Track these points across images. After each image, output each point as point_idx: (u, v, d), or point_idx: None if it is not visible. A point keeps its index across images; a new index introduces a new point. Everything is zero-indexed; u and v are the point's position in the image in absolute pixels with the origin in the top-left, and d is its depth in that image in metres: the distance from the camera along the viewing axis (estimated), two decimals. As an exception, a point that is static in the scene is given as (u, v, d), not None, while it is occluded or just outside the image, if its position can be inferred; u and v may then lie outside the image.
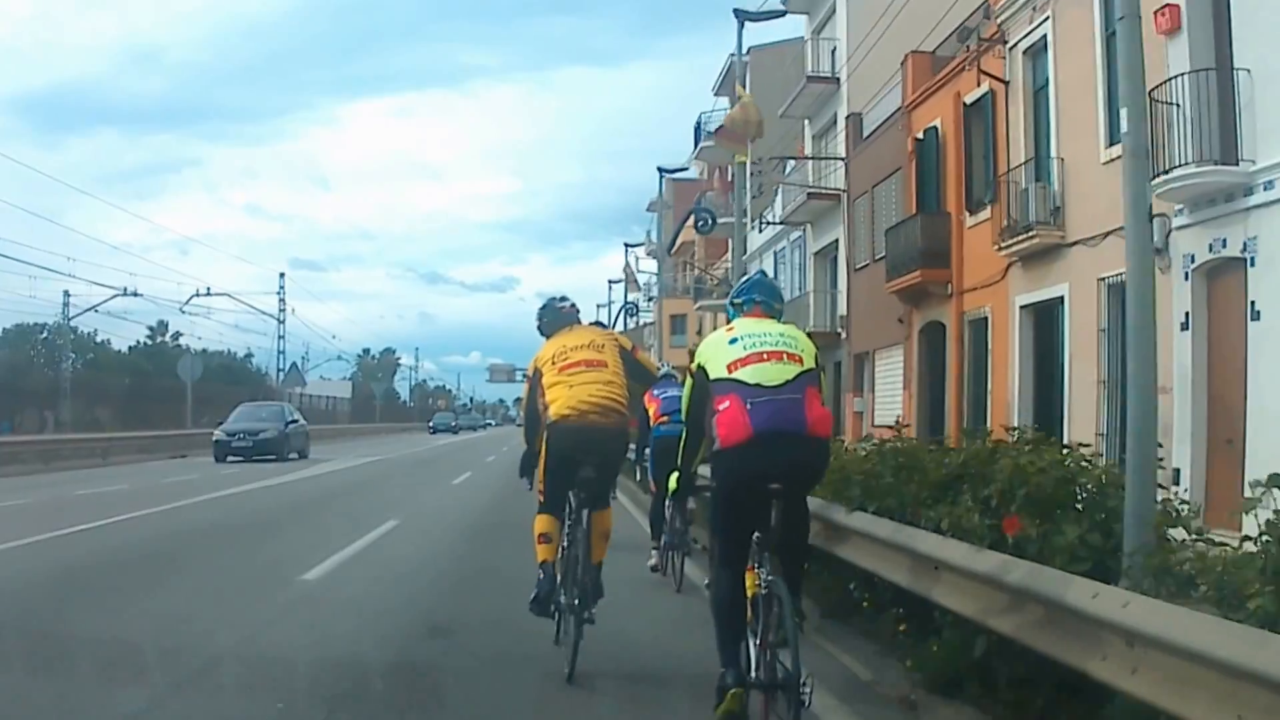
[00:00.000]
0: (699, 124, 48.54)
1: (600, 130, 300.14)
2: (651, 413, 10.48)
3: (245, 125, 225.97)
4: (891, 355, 26.93)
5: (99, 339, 72.68)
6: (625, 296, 58.69)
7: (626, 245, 62.60)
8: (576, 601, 6.34)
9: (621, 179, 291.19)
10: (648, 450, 10.75)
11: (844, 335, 29.99)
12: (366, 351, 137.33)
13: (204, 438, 36.00)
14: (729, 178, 45.69)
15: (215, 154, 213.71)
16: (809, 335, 5.61)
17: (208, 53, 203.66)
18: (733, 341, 5.14)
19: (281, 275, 66.64)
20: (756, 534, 5.01)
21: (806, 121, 34.17)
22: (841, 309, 30.38)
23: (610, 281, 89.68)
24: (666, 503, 9.83)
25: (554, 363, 6.69)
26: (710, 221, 32.74)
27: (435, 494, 22.26)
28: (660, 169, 42.26)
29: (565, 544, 6.62)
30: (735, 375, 4.98)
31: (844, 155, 30.07)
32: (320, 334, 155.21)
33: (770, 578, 4.87)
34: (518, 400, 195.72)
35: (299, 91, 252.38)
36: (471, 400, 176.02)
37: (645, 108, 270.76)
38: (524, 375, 7.46)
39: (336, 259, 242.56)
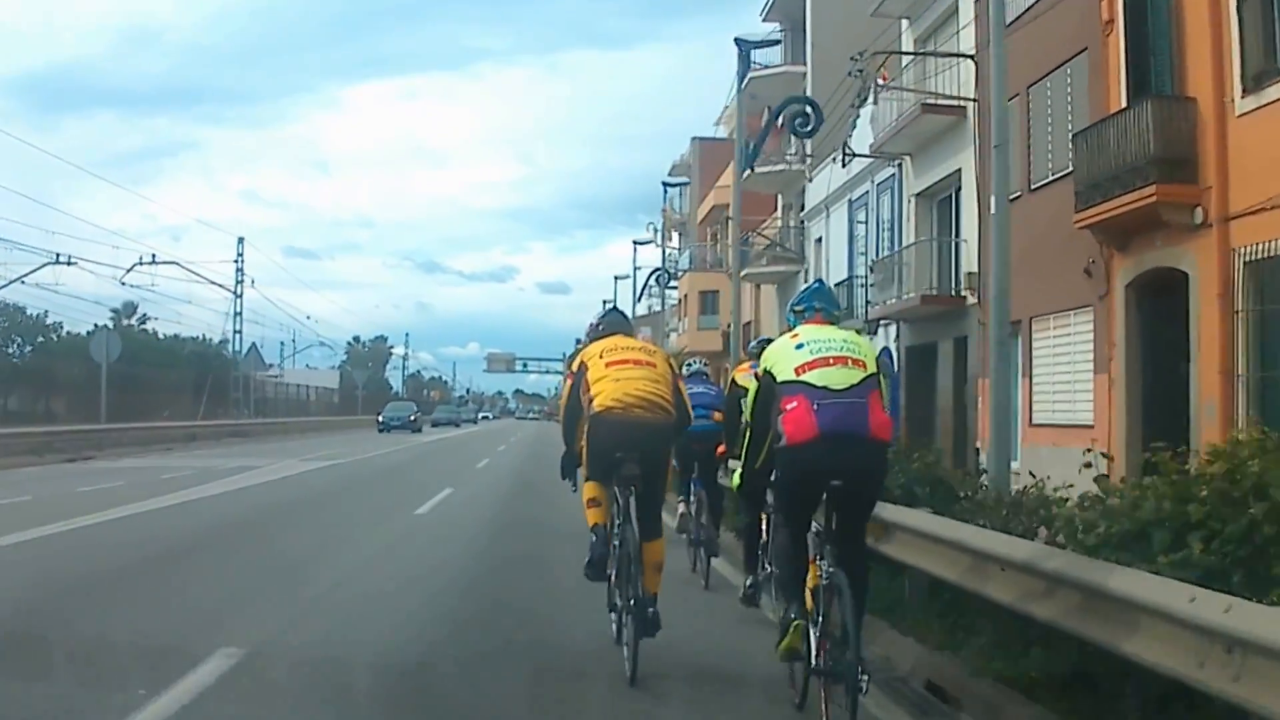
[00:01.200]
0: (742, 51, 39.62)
1: (608, 116, 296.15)
2: None
3: (244, 108, 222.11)
4: (1066, 324, 18.32)
5: (50, 320, 64.13)
6: (663, 253, 49.97)
7: (665, 186, 54.33)
8: (632, 601, 6.25)
9: (629, 166, 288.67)
10: None
11: (974, 299, 21.36)
12: (356, 339, 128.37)
13: (135, 434, 33.05)
14: (779, 122, 37.20)
15: (213, 137, 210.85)
16: (860, 333, 6.02)
17: (208, 33, 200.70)
18: (799, 347, 5.40)
19: (240, 241, 57.58)
20: (816, 527, 5.48)
21: (905, 22, 25.53)
22: (968, 263, 21.75)
23: (616, 277, 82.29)
24: (690, 500, 10.48)
25: (601, 357, 6.72)
26: (810, 117, 23.64)
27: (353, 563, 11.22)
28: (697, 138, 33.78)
29: (617, 544, 6.47)
30: (803, 378, 5.26)
31: (972, 52, 21.39)
32: (296, 316, 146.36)
33: (831, 570, 5.20)
34: (518, 392, 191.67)
35: (300, 73, 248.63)
36: (468, 391, 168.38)
37: (655, 93, 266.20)
38: (563, 371, 9.08)
39: (334, 247, 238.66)
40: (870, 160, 26.28)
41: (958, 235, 22.71)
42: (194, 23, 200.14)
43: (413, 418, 62.62)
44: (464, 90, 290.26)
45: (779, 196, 37.48)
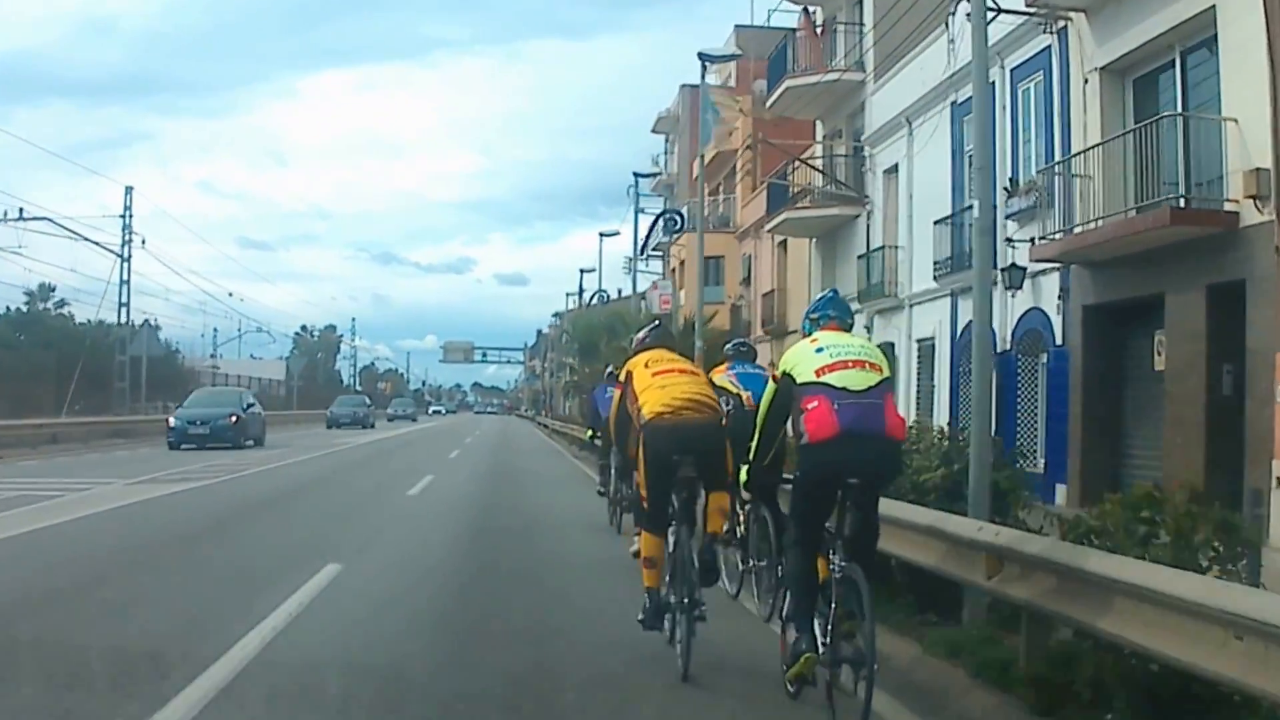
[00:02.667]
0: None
1: (569, 107, 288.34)
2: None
3: (200, 98, 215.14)
4: None
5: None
6: (635, 235, 40.76)
7: (639, 175, 44.93)
8: (686, 600, 6.23)
9: (590, 157, 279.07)
10: None
11: (1263, 213, 12.14)
12: (304, 328, 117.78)
13: None
14: (817, 25, 27.97)
15: (168, 128, 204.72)
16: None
17: (163, 22, 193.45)
18: (819, 350, 5.49)
19: (128, 191, 47.37)
20: (830, 524, 5.50)
21: None
22: (1243, 157, 12.52)
23: (581, 270, 76.49)
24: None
25: (647, 367, 6.85)
26: None
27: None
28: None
29: (671, 548, 6.45)
30: (824, 379, 5.34)
31: None
32: (226, 303, 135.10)
33: (844, 563, 5.27)
34: (477, 385, 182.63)
35: (256, 63, 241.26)
36: (424, 384, 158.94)
37: (616, 83, 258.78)
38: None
39: (290, 239, 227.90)
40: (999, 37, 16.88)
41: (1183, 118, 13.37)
42: (148, 11, 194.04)
43: (364, 412, 56.42)
44: (422, 80, 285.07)
45: (818, 124, 28.16)
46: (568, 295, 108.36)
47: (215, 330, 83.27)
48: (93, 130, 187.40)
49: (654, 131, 52.74)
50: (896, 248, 22.89)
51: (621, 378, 7.14)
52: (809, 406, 5.33)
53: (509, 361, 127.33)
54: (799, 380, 5.47)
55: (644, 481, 6.53)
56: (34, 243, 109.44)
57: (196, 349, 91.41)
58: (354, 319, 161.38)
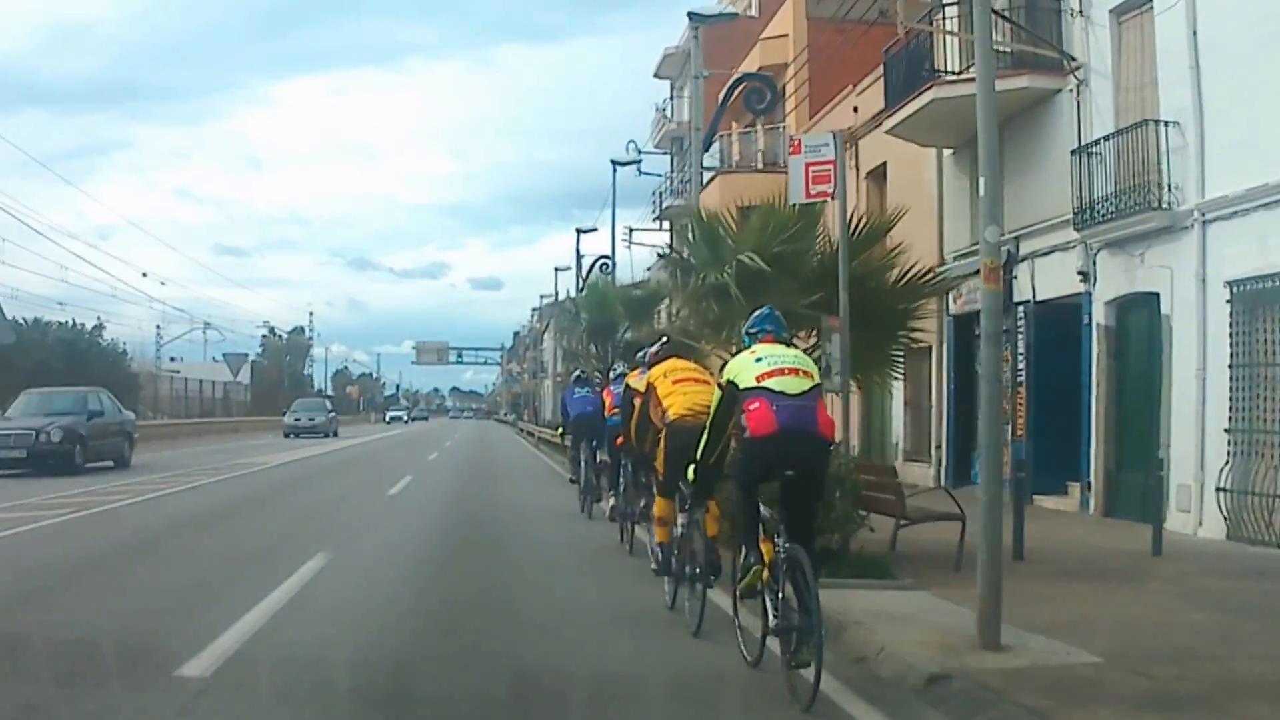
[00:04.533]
0: None
1: (541, 110, 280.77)
2: (606, 404, 12.49)
3: (175, 105, 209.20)
4: None
5: None
6: (672, 159, 30.64)
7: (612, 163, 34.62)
8: (698, 570, 7.10)
9: (563, 160, 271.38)
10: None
11: None
12: (272, 331, 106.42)
13: None
14: None
15: (144, 135, 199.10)
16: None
17: (137, 30, 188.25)
18: (758, 360, 6.02)
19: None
20: (768, 513, 6.01)
21: None
22: None
23: (556, 269, 67.19)
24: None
25: (666, 376, 8.05)
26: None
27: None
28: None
29: (679, 531, 7.48)
30: (764, 384, 5.88)
31: None
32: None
33: (788, 545, 5.67)
34: (454, 390, 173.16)
35: (230, 70, 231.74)
36: (398, 389, 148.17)
37: (587, 86, 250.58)
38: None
39: (266, 244, 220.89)
40: None
41: None
42: (122, 19, 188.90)
43: (321, 419, 46.39)
44: (394, 85, 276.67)
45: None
46: (541, 297, 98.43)
47: (158, 328, 71.77)
48: (69, 138, 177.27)
49: (657, 76, 42.48)
50: (1164, 124, 12.71)
51: (642, 388, 8.50)
52: (751, 407, 5.84)
53: (486, 362, 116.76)
54: (741, 386, 5.98)
55: (663, 464, 7.78)
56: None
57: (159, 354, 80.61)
58: (310, 313, 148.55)
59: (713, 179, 28.22)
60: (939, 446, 19.21)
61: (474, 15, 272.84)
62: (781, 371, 5.89)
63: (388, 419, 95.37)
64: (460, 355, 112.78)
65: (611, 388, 12.19)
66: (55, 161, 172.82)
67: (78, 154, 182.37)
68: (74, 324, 69.71)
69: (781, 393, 5.80)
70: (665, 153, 42.66)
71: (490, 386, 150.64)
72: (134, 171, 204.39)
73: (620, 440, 11.03)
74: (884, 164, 21.43)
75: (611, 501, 12.01)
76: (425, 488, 17.69)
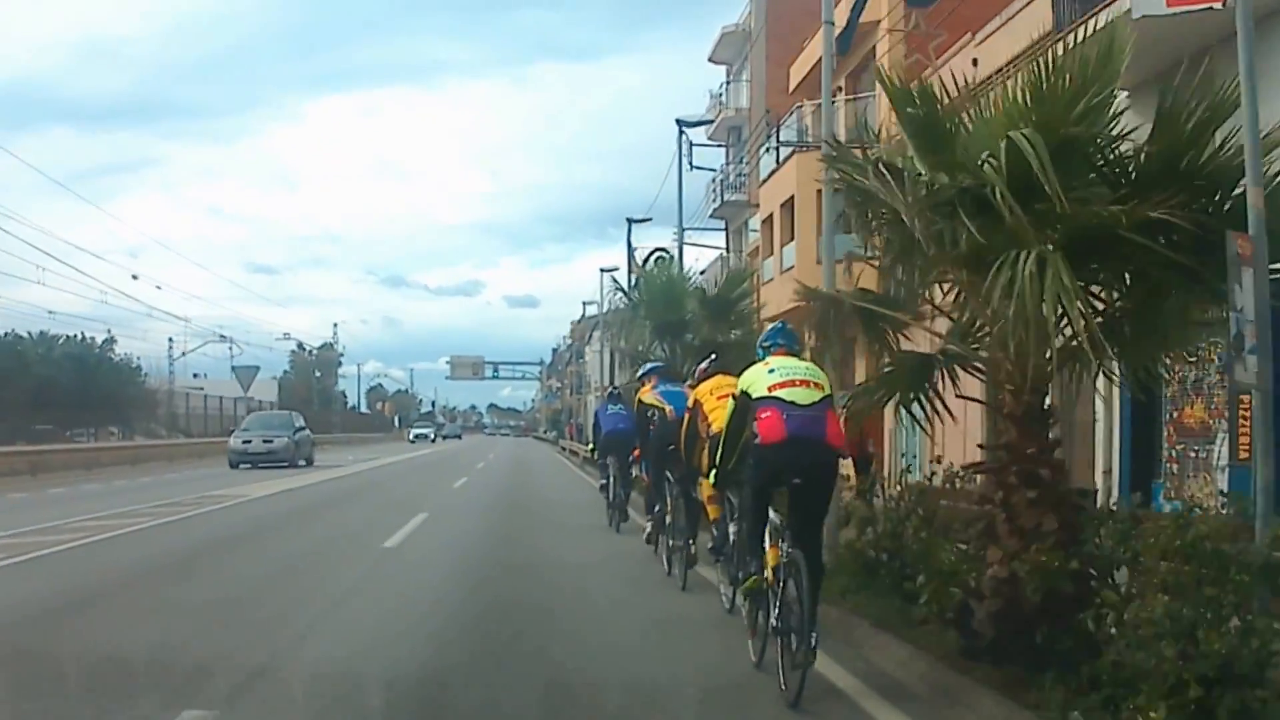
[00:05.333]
0: None
1: (576, 129, 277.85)
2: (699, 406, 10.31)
3: (207, 122, 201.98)
4: None
5: None
6: (728, 152, 25.99)
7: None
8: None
9: (599, 179, 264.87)
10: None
11: None
12: (301, 346, 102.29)
13: None
14: None
15: (175, 153, 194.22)
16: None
17: (169, 47, 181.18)
18: (770, 371, 6.19)
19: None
20: (777, 519, 6.18)
21: None
22: None
23: (585, 303, 67.86)
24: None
25: (712, 393, 8.47)
26: None
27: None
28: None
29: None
30: (775, 394, 6.04)
31: None
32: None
33: (790, 550, 5.88)
34: (493, 407, 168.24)
35: (263, 87, 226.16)
36: (434, 405, 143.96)
37: (623, 105, 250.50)
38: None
39: (300, 262, 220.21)
40: None
41: None
42: (153, 36, 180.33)
43: (282, 442, 31.37)
44: (429, 104, 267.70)
45: None
46: (585, 305, 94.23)
47: (170, 341, 67.82)
48: (100, 155, 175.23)
49: (712, 61, 37.94)
50: None
51: (690, 404, 8.92)
52: (763, 416, 6.01)
53: (524, 377, 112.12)
54: (754, 396, 6.15)
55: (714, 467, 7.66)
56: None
57: (173, 369, 76.95)
58: (335, 324, 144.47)
59: (789, 158, 23.51)
60: (1108, 471, 14.40)
61: (510, 34, 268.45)
62: (793, 383, 6.05)
63: (411, 437, 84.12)
64: (496, 370, 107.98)
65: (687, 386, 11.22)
66: (87, 178, 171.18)
67: (109, 171, 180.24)
68: (84, 338, 66.09)
69: (792, 403, 5.96)
70: (720, 145, 38.11)
71: (529, 403, 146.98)
72: (165, 189, 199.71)
73: (636, 453, 12.18)
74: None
75: (649, 528, 11.40)
76: (438, 535, 13.08)
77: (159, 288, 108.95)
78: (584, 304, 75.79)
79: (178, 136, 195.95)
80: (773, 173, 24.66)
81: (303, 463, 32.03)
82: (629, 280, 23.17)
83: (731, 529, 7.94)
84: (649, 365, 11.86)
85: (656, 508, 10.66)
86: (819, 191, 22.98)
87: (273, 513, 15.96)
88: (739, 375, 6.73)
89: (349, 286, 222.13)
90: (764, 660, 6.03)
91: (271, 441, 31.34)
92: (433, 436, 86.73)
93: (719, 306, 16.04)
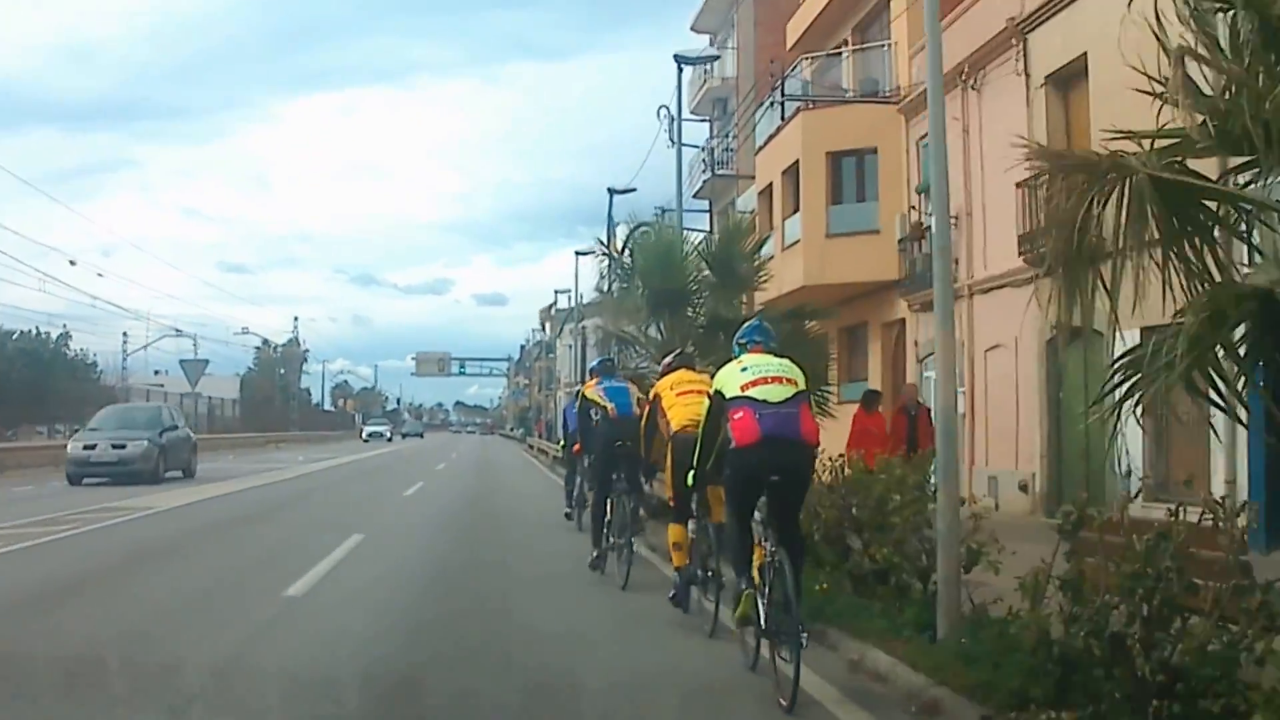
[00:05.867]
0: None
1: (547, 128, 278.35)
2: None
3: (183, 124, 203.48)
4: None
5: None
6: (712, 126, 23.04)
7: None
8: (710, 573, 7.35)
9: (569, 178, 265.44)
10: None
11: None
12: (266, 342, 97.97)
13: None
14: None
15: (152, 153, 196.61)
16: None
17: (146, 49, 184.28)
18: (743, 370, 6.09)
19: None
20: (760, 516, 6.06)
21: None
22: None
23: (557, 291, 66.17)
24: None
25: (672, 389, 8.18)
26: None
27: None
28: None
29: (693, 536, 7.60)
30: (747, 393, 5.92)
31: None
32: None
33: (775, 549, 5.78)
34: (459, 405, 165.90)
35: (239, 88, 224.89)
36: (399, 402, 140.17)
37: (593, 104, 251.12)
38: (632, 399, 9.62)
39: (273, 262, 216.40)
40: None
41: None
42: (131, 38, 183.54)
43: (139, 449, 21.85)
44: (402, 103, 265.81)
45: None
46: (541, 313, 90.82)
47: (125, 335, 63.94)
48: (77, 156, 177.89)
49: (695, 30, 34.76)
50: None
51: (650, 398, 8.56)
52: (735, 417, 5.89)
53: (490, 373, 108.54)
54: (727, 396, 6.04)
55: (670, 480, 7.84)
56: None
57: (127, 365, 73.10)
58: (295, 318, 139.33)
59: (793, 116, 20.38)
60: (1230, 481, 11.39)
61: (483, 34, 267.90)
62: (765, 380, 5.94)
63: (365, 435, 75.13)
64: (463, 366, 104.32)
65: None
66: (64, 179, 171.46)
67: (86, 172, 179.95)
68: (37, 333, 62.27)
69: (764, 401, 5.86)
70: (704, 119, 34.95)
71: (495, 401, 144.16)
72: (142, 190, 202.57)
73: (577, 448, 12.38)
74: (1083, 57, 13.72)
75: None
76: (372, 570, 9.82)
77: (100, 275, 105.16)
78: (556, 292, 72.69)
79: (155, 137, 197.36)
80: (773, 135, 21.52)
81: (178, 474, 23.31)
82: (610, 259, 19.80)
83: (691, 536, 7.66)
84: (596, 360, 11.87)
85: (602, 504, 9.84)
86: (827, 155, 19.98)
87: (161, 535, 12.43)
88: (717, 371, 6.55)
89: (320, 285, 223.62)
90: (759, 663, 5.90)
91: (124, 447, 21.73)
92: (388, 435, 77.60)
93: (725, 268, 12.92)
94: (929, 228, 17.68)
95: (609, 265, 14.37)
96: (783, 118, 20.10)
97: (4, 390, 43.51)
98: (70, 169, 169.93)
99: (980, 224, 16.36)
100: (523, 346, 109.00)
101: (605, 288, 14.77)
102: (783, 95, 19.50)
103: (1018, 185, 14.32)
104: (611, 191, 28.20)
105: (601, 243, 15.69)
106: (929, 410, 12.87)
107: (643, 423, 8.72)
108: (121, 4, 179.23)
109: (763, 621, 5.70)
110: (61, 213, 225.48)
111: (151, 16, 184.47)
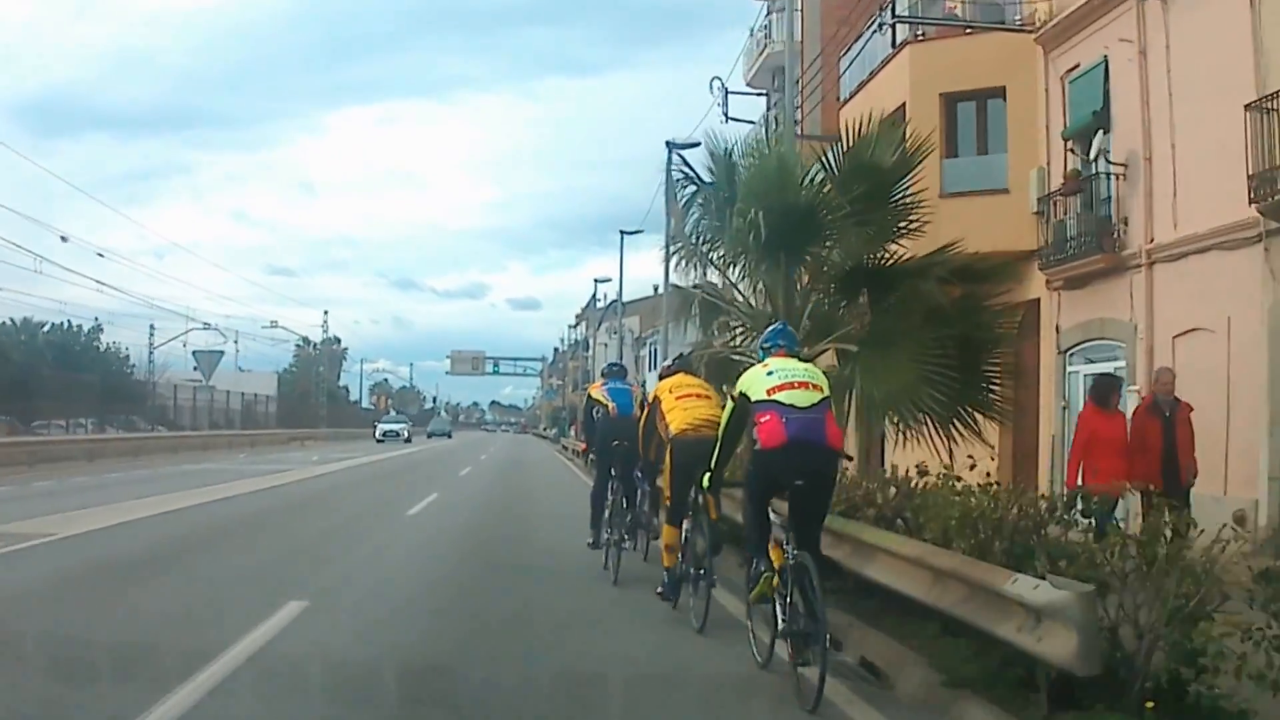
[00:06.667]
0: None
1: (580, 140, 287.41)
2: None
3: (233, 132, 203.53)
4: None
5: None
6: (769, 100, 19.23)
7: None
8: (702, 571, 7.17)
9: (600, 188, 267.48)
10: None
11: None
12: (306, 340, 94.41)
13: None
14: None
15: (204, 160, 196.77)
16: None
17: (199, 59, 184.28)
18: (769, 374, 5.99)
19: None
20: (780, 520, 6.01)
21: None
22: None
23: (596, 280, 65.93)
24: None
25: (671, 392, 7.95)
26: None
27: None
28: None
29: (684, 538, 7.46)
30: (774, 397, 5.85)
31: None
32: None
33: (796, 552, 5.69)
34: (494, 404, 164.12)
35: (287, 99, 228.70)
36: (435, 400, 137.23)
37: (625, 118, 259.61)
38: (634, 401, 9.50)
39: (317, 265, 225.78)
40: None
41: None
42: (184, 49, 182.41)
43: None
44: (442, 116, 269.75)
45: None
46: (576, 315, 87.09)
47: (151, 328, 60.77)
48: (132, 162, 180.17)
49: (752, -9, 30.65)
50: None
51: (650, 400, 8.36)
52: (762, 420, 5.83)
53: (525, 373, 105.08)
54: (753, 398, 5.95)
55: (669, 482, 7.70)
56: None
57: (154, 359, 69.94)
58: (325, 311, 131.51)
59: (898, 51, 16.24)
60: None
61: (520, 50, 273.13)
62: (792, 385, 5.89)
63: (379, 434, 60.80)
64: (497, 366, 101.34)
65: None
66: (119, 184, 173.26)
67: (141, 177, 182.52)
68: (69, 325, 59.43)
69: (791, 405, 5.80)
70: (760, 92, 30.87)
71: (529, 401, 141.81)
72: (193, 195, 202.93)
73: (584, 446, 12.54)
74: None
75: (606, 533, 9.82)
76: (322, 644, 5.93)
77: (63, 236, 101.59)
78: (595, 281, 68.43)
79: (206, 145, 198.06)
80: (873, 74, 17.32)
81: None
82: (668, 194, 14.85)
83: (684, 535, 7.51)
84: (608, 364, 11.63)
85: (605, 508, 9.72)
86: (941, 97, 15.85)
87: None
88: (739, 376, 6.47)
89: (362, 288, 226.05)
90: (771, 663, 5.85)
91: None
92: (406, 435, 61.21)
93: (875, 182, 8.67)
94: (1093, 175, 13.48)
95: (692, 194, 10.01)
96: (894, 44, 15.89)
97: (38, 383, 40.63)
98: (126, 173, 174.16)
99: (1167, 171, 12.16)
100: (556, 349, 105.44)
101: (690, 227, 10.29)
102: (893, 14, 15.34)
103: (1247, 107, 10.17)
104: (671, 146, 23.54)
105: (683, 160, 11.23)
106: (1190, 408, 8.87)
107: (642, 422, 8.67)
108: (176, 14, 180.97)
109: (780, 623, 5.67)
110: (109, 215, 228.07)
111: (205, 27, 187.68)
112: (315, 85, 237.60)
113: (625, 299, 49.37)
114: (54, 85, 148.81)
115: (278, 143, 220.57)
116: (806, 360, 6.57)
